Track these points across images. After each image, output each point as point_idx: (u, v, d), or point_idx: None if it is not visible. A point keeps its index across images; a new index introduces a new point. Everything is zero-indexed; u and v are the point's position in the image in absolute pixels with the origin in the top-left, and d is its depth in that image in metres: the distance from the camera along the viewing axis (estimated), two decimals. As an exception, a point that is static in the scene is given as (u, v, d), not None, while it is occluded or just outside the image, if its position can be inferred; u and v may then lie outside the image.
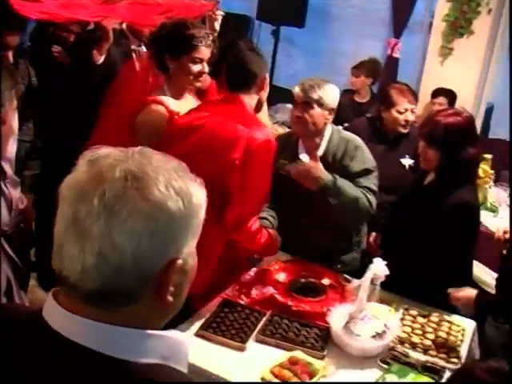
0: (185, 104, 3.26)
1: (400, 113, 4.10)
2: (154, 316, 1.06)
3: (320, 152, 3.26)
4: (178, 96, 3.22)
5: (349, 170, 3.24)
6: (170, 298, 1.03)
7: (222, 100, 3.05)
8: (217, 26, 3.72)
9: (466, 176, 3.10)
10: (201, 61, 3.16)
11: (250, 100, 2.94)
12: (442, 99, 5.37)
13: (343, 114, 4.73)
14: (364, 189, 3.21)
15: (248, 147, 2.75)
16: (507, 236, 3.22)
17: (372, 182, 3.27)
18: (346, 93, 5.93)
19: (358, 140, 3.36)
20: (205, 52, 3.17)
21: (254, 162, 2.77)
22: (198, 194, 1.04)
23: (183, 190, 1.01)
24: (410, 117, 4.11)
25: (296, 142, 3.36)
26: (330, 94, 3.19)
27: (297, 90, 3.22)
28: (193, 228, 1.04)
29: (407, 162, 4.00)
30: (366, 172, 3.27)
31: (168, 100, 3.14)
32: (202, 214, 1.06)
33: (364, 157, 3.30)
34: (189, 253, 1.06)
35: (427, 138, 3.07)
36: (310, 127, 3.22)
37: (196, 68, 3.15)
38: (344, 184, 3.14)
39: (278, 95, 6.47)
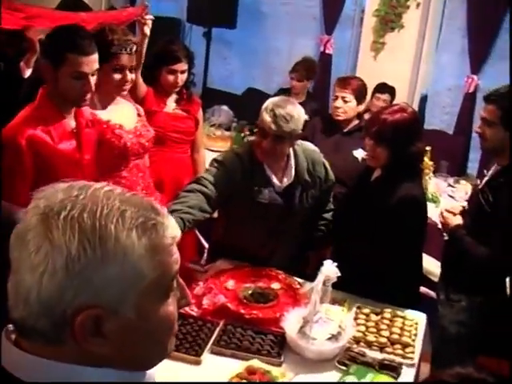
0: (116, 110, 3.20)
1: (333, 100, 4.20)
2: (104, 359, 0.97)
3: (292, 171, 3.22)
4: (106, 104, 3.16)
5: (324, 179, 3.33)
6: (97, 348, 0.94)
7: None
8: (147, 30, 3.65)
9: (412, 170, 3.13)
10: (122, 68, 3.09)
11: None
12: (387, 96, 5.42)
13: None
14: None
15: None
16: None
17: None
18: (281, 93, 5.88)
19: (315, 147, 3.41)
20: (126, 59, 3.10)
21: None
22: (125, 242, 0.93)
23: (95, 232, 0.91)
24: (339, 103, 4.17)
25: (262, 165, 3.19)
26: (300, 122, 3.09)
27: (268, 120, 3.01)
28: (112, 275, 0.93)
29: (359, 154, 4.01)
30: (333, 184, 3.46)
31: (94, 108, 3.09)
32: (130, 262, 0.94)
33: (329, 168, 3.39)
34: (127, 304, 0.95)
35: (376, 137, 3.06)
36: (279, 156, 3.17)
37: (117, 76, 3.09)
38: None
39: (213, 97, 6.43)
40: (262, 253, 3.26)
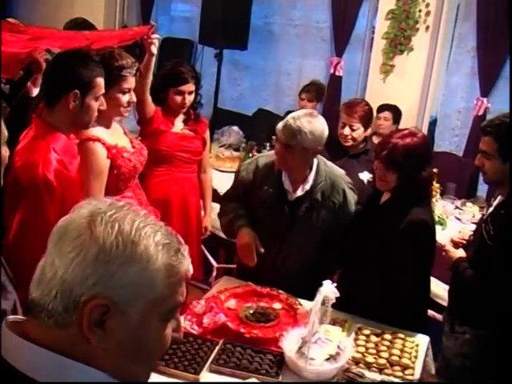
0: (115, 133, 3.23)
1: (341, 127, 4.19)
2: (93, 354, 1.04)
3: (307, 186, 3.27)
4: (107, 127, 3.18)
5: (339, 206, 3.31)
6: (95, 340, 1.03)
7: None
8: (154, 49, 3.68)
9: (421, 194, 3.12)
10: (129, 90, 3.15)
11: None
12: (386, 113, 5.43)
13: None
14: None
15: None
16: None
17: None
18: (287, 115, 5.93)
19: (343, 173, 3.42)
20: (132, 81, 3.16)
21: None
22: (152, 252, 1.05)
23: (130, 235, 1.04)
24: (347, 131, 4.18)
25: (279, 171, 3.32)
26: (314, 135, 3.12)
27: (279, 128, 3.16)
28: (132, 276, 1.03)
29: (365, 176, 4.03)
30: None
31: (102, 133, 3.11)
32: (149, 271, 1.05)
33: (353, 196, 3.38)
34: (134, 308, 1.05)
35: (385, 161, 3.07)
36: (290, 166, 3.25)
37: (125, 98, 3.14)
38: None
39: (224, 118, 6.49)
40: (275, 263, 3.34)
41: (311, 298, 3.09)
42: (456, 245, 3.21)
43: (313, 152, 3.20)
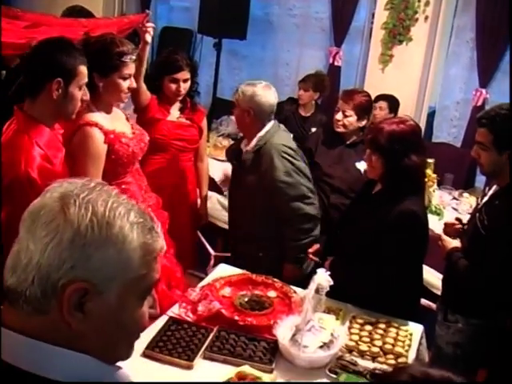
0: (115, 119, 3.23)
1: (336, 112, 4.22)
2: (75, 338, 1.04)
3: (249, 147, 3.60)
4: (107, 113, 3.17)
5: (265, 172, 3.51)
6: (76, 323, 1.03)
7: None
8: (148, 38, 3.67)
9: (411, 184, 3.06)
10: (129, 76, 3.14)
11: None
12: (382, 103, 5.43)
13: (287, 126, 4.71)
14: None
15: None
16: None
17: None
18: (290, 102, 5.94)
19: (282, 143, 3.56)
20: (132, 67, 3.15)
21: None
22: (127, 232, 1.05)
23: (105, 216, 1.04)
24: (339, 116, 4.16)
25: None
26: (244, 96, 3.51)
27: None
28: (109, 258, 1.03)
29: (362, 166, 4.01)
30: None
31: (100, 118, 3.10)
32: (126, 251, 1.05)
33: (284, 165, 3.51)
34: (112, 289, 1.05)
35: (371, 145, 3.07)
36: (236, 122, 3.74)
37: (125, 84, 3.13)
38: None
39: (222, 107, 6.48)
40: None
41: (256, 267, 3.31)
42: (450, 227, 3.22)
43: (247, 113, 3.51)
